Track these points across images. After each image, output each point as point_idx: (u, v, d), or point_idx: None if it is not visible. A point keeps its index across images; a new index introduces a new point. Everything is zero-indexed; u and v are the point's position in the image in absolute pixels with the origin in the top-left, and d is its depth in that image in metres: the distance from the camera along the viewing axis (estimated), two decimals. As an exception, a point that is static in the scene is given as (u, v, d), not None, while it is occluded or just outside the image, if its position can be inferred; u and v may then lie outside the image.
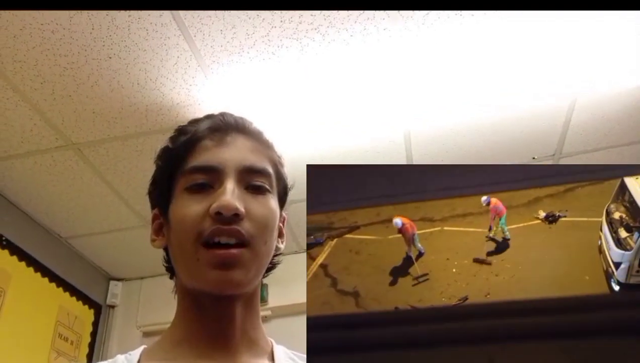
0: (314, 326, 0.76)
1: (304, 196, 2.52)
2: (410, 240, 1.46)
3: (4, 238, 2.39)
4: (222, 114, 0.78)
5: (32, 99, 1.95)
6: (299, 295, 2.71)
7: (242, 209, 0.68)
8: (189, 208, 0.70)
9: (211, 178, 0.71)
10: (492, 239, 1.46)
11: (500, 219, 1.45)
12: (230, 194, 0.68)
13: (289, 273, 2.61)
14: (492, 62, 1.93)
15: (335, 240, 1.53)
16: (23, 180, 2.35)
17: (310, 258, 1.53)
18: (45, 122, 2.05)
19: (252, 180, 0.72)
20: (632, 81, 2.04)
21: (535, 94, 2.08)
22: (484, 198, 1.48)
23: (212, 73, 1.89)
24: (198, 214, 0.69)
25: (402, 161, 2.38)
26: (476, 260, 1.40)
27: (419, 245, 1.47)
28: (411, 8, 1.69)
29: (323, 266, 1.43)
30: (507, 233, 1.45)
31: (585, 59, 1.93)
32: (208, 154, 0.73)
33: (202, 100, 2.00)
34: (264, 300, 2.82)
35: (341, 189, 1.69)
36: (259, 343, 0.75)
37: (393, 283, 1.36)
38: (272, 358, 0.74)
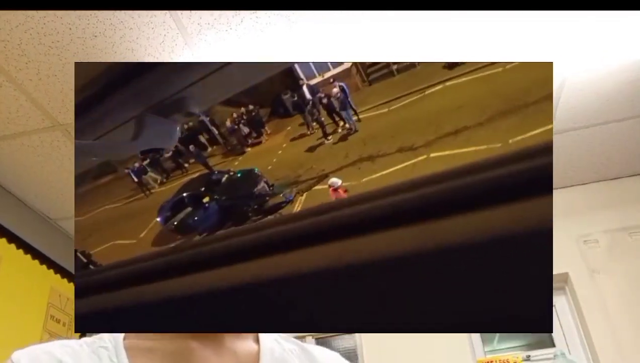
0: None
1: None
2: None
3: (-8, 221, 2.37)
4: None
5: (17, 79, 1.92)
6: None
7: None
8: None
9: None
10: None
11: None
12: None
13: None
14: (482, 41, 1.92)
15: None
16: (11, 162, 2.32)
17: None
18: (31, 102, 2.02)
19: None
20: (622, 59, 2.03)
21: (525, 71, 2.07)
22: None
23: (200, 51, 1.87)
24: None
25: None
26: None
27: None
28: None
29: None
30: None
31: (575, 37, 1.92)
32: None
33: (190, 79, 1.97)
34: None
35: None
36: None
37: None
38: (257, 339, 0.74)
